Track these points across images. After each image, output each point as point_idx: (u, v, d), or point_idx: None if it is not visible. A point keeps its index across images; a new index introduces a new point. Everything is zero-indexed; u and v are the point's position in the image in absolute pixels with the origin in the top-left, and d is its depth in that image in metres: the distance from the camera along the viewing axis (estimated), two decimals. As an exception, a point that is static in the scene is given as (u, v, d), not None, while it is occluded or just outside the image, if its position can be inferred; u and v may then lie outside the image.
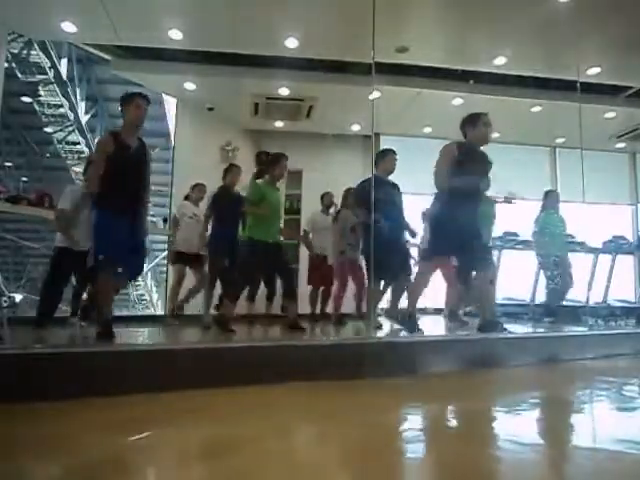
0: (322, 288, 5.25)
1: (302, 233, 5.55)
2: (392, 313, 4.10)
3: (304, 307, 4.90)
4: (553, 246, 5.06)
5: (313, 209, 5.54)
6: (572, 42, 5.01)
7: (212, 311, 4.65)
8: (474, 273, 3.70)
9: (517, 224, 5.81)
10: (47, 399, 1.86)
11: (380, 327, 4.05)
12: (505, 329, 3.33)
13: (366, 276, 4.50)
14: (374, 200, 3.75)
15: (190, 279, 4.88)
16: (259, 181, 3.91)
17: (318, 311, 5.28)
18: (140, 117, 2.99)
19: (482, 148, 3.48)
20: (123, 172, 2.89)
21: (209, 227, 4.50)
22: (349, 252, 4.82)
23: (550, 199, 5.25)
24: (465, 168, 3.26)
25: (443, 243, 3.38)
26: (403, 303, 4.18)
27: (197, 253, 4.72)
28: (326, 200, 5.38)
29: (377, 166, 4.14)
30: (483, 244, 3.58)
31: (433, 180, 3.40)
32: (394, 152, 4.18)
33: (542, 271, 5.31)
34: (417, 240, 4.66)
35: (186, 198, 5.06)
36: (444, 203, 3.37)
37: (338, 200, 5.27)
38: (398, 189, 4.16)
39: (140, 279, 16.96)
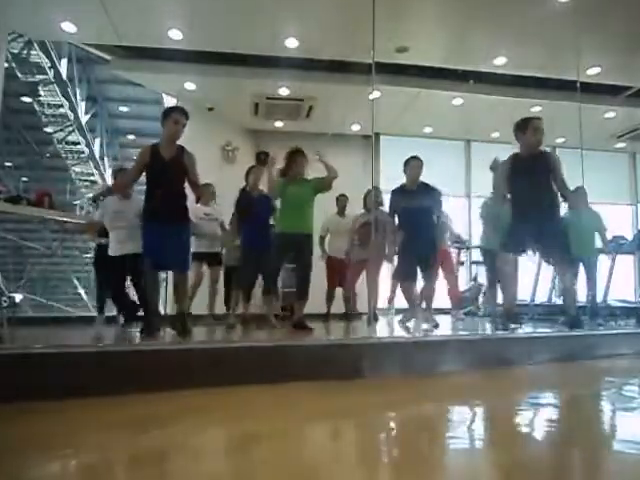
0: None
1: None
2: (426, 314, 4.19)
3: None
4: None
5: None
6: (572, 42, 5.02)
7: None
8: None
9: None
10: (47, 399, 1.86)
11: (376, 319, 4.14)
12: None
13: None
14: (402, 208, 3.97)
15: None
16: (281, 179, 3.90)
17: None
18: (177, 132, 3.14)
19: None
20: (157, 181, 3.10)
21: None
22: (357, 251, 4.90)
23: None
24: (518, 177, 3.53)
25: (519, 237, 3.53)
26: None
27: (213, 252, 4.71)
28: (340, 202, 5.39)
29: (405, 175, 4.14)
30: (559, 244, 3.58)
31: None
32: (416, 158, 4.11)
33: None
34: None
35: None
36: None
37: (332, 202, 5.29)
38: (427, 194, 4.06)
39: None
